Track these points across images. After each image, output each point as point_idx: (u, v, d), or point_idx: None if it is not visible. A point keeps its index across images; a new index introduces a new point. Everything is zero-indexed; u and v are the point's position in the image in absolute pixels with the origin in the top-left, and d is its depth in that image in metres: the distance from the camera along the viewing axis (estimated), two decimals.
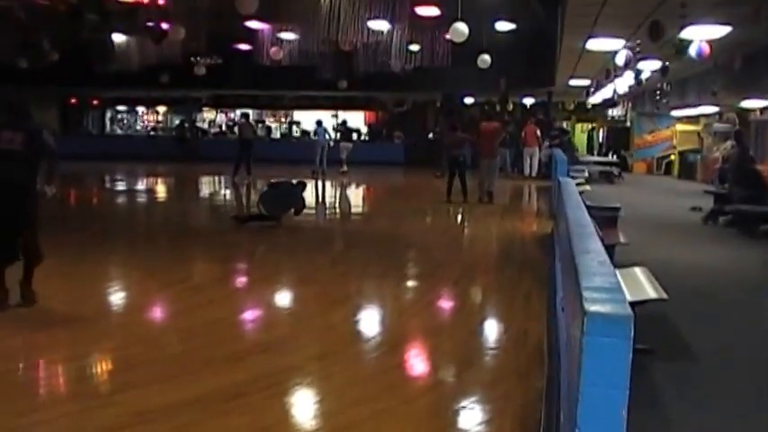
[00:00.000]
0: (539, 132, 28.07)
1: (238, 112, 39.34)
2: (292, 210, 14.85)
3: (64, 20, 20.84)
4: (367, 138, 38.41)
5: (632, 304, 3.04)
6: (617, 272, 4.01)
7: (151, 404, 5.40)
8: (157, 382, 5.81)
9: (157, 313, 8.65)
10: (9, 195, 7.59)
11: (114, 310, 8.57)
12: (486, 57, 23.08)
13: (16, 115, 7.93)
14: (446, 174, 20.33)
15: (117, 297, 9.22)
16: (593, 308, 2.52)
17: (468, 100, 35.91)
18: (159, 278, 9.98)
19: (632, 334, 2.40)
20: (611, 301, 2.66)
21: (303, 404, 5.67)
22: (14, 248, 7.76)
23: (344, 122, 34.96)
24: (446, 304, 9.32)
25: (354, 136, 34.88)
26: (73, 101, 39.80)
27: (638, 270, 7.47)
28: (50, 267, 8.25)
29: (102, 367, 6.20)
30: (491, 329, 8.06)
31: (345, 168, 27.97)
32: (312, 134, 30.34)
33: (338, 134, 31.55)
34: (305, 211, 15.51)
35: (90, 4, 19.87)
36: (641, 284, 6.92)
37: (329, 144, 28.35)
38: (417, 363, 6.83)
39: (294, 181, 15.69)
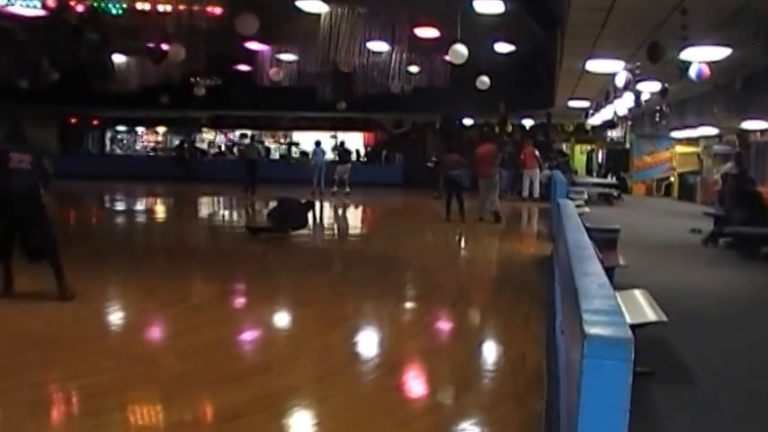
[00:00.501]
0: (537, 153, 27.97)
1: (237, 132, 39.68)
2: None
3: (64, 40, 20.93)
4: (365, 159, 38.45)
5: (632, 327, 3.02)
6: (617, 294, 4.00)
7: (149, 425, 5.39)
8: (156, 403, 5.79)
9: (156, 333, 8.62)
10: (26, 205, 8.89)
11: (113, 330, 8.54)
12: (486, 78, 23.16)
13: (20, 139, 9.21)
14: (444, 195, 20.47)
15: (116, 317, 9.19)
16: (593, 330, 2.51)
17: (468, 121, 35.99)
18: (159, 297, 9.94)
19: (632, 357, 2.39)
20: (611, 323, 2.66)
21: (301, 426, 5.64)
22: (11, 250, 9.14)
23: (342, 144, 35.13)
24: (444, 326, 9.28)
25: (354, 157, 34.97)
26: (73, 120, 39.87)
27: (637, 292, 7.45)
28: (51, 286, 8.64)
29: (100, 387, 6.16)
30: (489, 352, 8.02)
31: (347, 190, 27.98)
32: (311, 155, 30.45)
33: (336, 155, 31.66)
34: (305, 231, 16.33)
35: (90, 25, 19.95)
36: (641, 307, 6.90)
37: (326, 165, 28.53)
38: (415, 385, 6.79)
39: (303, 200, 16.65)
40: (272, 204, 16.82)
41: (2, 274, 9.20)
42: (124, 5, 19.57)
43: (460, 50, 18.55)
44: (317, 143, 29.37)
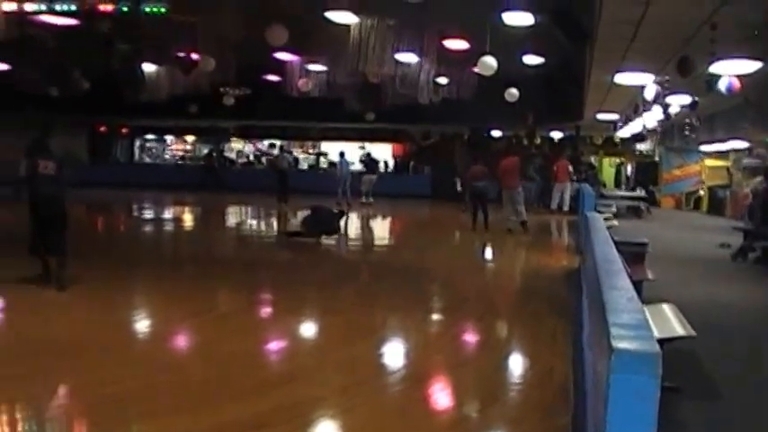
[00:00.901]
0: (571, 168, 27.82)
1: (266, 142, 39.87)
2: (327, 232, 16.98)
3: (95, 49, 21.09)
4: (393, 170, 38.49)
5: (660, 342, 3.00)
6: (644, 308, 3.97)
7: None
8: (180, 412, 5.80)
9: (183, 342, 8.65)
10: (50, 206, 10.09)
11: (140, 338, 8.58)
12: (514, 90, 23.14)
13: (44, 148, 10.15)
14: (469, 206, 20.88)
15: (143, 325, 9.24)
16: (620, 345, 2.49)
17: (496, 133, 35.90)
18: (186, 306, 9.98)
19: (660, 371, 2.37)
20: (638, 338, 2.64)
21: None
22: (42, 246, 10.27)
23: (369, 154, 35.17)
24: (471, 339, 9.26)
25: (382, 167, 35.03)
26: (102, 129, 40.08)
27: (665, 307, 7.39)
28: (79, 294, 8.76)
29: (125, 394, 6.18)
30: (516, 365, 7.99)
31: (370, 200, 28.13)
32: (338, 165, 30.57)
33: (363, 166, 31.85)
34: (332, 241, 17.10)
35: (121, 34, 20.10)
36: (669, 321, 6.85)
37: (351, 175, 28.73)
38: (441, 397, 6.77)
39: (336, 210, 17.83)
40: (306, 212, 17.44)
41: (42, 266, 10.33)
42: (162, 9, 19.57)
43: (489, 62, 18.56)
44: (342, 154, 29.51)
